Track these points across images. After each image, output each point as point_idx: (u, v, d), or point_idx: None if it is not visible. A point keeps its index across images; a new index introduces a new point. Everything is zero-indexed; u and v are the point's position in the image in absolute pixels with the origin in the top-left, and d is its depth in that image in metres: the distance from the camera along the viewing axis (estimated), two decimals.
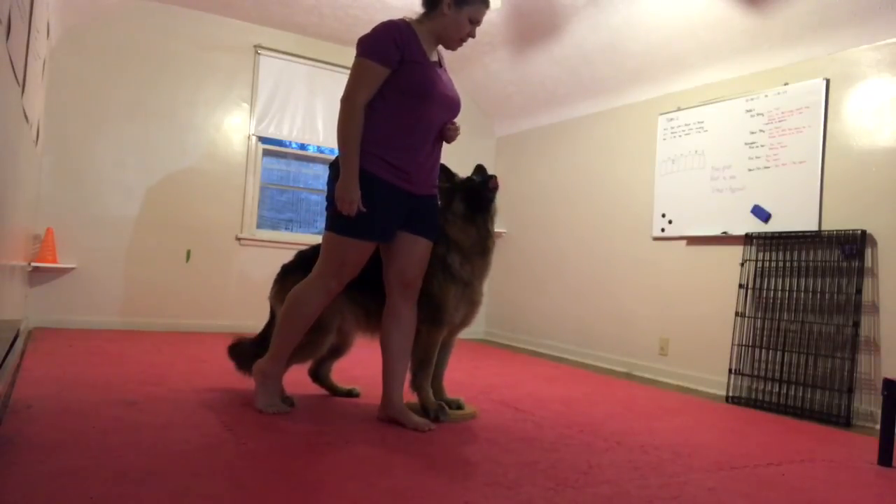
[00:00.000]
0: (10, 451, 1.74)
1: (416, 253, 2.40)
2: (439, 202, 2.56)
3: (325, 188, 2.40)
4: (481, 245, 2.57)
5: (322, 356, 2.82)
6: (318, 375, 2.94)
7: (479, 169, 2.74)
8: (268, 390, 2.44)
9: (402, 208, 2.34)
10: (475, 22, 2.36)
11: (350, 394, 2.91)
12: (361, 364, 3.74)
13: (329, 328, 2.61)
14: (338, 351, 2.90)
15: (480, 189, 2.60)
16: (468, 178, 2.67)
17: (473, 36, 2.40)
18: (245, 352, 2.75)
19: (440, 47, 2.44)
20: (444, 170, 2.61)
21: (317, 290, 2.36)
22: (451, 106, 2.42)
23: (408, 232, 2.38)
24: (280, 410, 2.43)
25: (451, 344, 2.74)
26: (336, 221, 2.29)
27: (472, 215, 2.57)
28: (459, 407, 2.66)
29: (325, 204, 2.39)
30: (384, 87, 2.26)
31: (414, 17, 2.36)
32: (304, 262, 2.68)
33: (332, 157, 6.41)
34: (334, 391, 2.92)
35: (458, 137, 2.47)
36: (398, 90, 2.26)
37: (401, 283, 2.40)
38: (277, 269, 2.88)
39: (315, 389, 2.93)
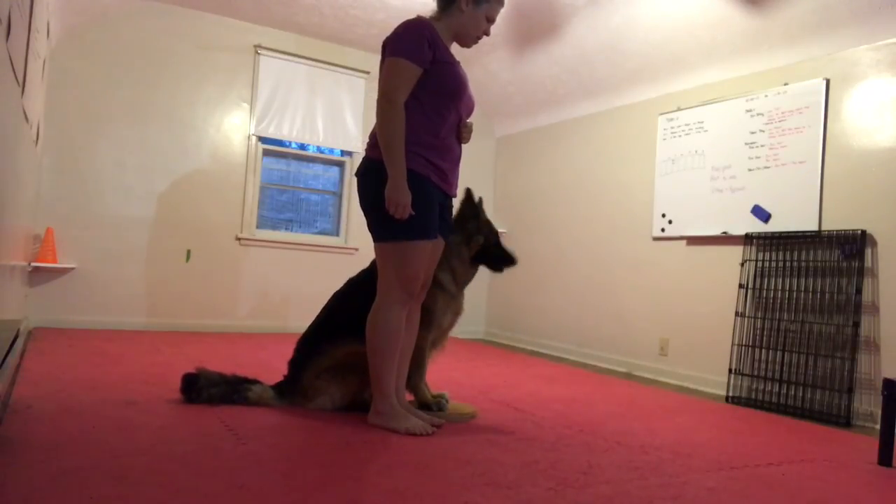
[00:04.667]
0: (10, 451, 1.74)
1: (436, 253, 2.41)
2: (453, 225, 2.59)
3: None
4: (470, 277, 2.75)
5: None
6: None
7: (468, 194, 2.75)
8: (399, 421, 2.27)
9: (438, 207, 2.34)
10: (491, 20, 2.36)
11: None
12: None
13: None
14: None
15: (498, 257, 2.76)
16: (491, 233, 2.75)
17: (488, 34, 2.40)
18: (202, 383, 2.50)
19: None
20: (470, 198, 2.73)
21: (394, 309, 2.26)
22: (472, 107, 2.45)
23: None
24: (437, 425, 2.32)
25: (441, 346, 2.82)
26: (392, 229, 2.20)
27: (476, 263, 2.73)
28: (446, 401, 2.70)
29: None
30: (415, 87, 2.22)
31: (428, 15, 2.34)
32: (318, 336, 2.59)
33: (331, 157, 6.35)
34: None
35: None
36: (431, 90, 2.24)
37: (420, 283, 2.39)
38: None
39: None
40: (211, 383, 2.51)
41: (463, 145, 2.44)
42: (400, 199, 2.14)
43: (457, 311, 2.75)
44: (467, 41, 2.38)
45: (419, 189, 2.21)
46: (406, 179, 2.15)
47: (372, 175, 2.23)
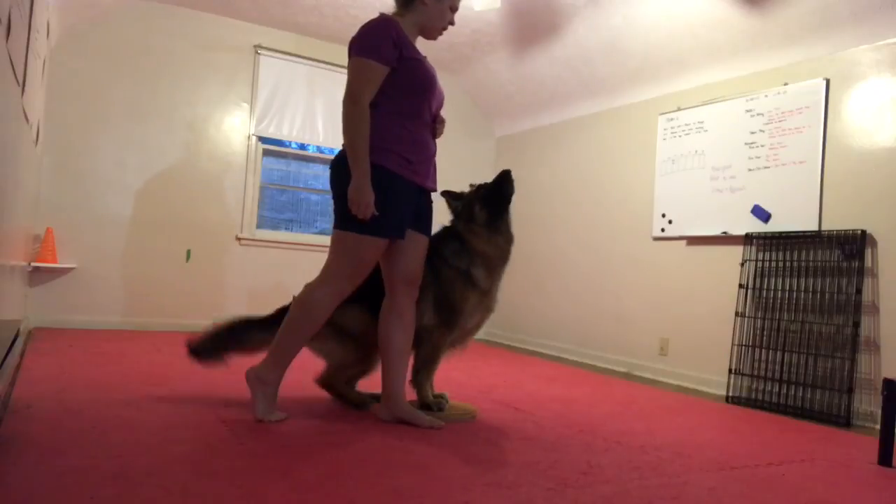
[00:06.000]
0: (10, 451, 1.74)
1: (419, 250, 2.43)
2: (455, 219, 2.62)
3: (329, 188, 2.36)
4: (505, 252, 2.63)
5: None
6: (336, 385, 2.69)
7: (503, 174, 2.69)
8: (266, 398, 2.31)
9: (412, 204, 2.35)
10: (454, 9, 2.39)
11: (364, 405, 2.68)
12: None
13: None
14: (364, 370, 2.71)
15: (499, 186, 2.63)
16: (480, 185, 2.69)
17: (453, 23, 2.43)
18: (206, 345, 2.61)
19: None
20: (448, 192, 2.70)
21: (328, 293, 2.29)
22: (442, 99, 2.48)
23: (412, 229, 2.38)
24: (279, 419, 2.31)
25: (462, 346, 2.75)
26: (351, 220, 2.22)
27: (495, 222, 2.61)
28: (446, 401, 2.68)
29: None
30: (385, 85, 2.24)
31: (390, 12, 2.35)
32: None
33: (331, 157, 6.40)
34: (350, 401, 2.67)
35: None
36: (400, 87, 2.26)
37: (406, 280, 2.40)
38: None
39: (312, 391, 2.92)
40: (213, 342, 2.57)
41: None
42: (362, 198, 2.16)
43: (488, 308, 2.65)
44: (433, 34, 2.41)
45: (388, 186, 2.23)
46: (369, 179, 2.17)
47: (344, 167, 2.24)
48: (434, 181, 2.47)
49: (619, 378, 4.19)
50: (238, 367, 2.99)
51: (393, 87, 2.25)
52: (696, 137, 4.18)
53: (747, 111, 3.85)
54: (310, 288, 2.33)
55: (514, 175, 2.72)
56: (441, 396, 2.68)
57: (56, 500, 1.43)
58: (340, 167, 2.29)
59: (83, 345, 3.79)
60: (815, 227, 3.45)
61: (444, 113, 2.53)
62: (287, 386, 2.58)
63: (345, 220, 2.26)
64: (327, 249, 2.34)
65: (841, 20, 3.35)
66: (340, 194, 2.26)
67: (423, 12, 2.33)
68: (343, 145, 2.31)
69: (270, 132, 5.21)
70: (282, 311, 2.58)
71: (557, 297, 5.28)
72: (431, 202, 2.51)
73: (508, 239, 2.66)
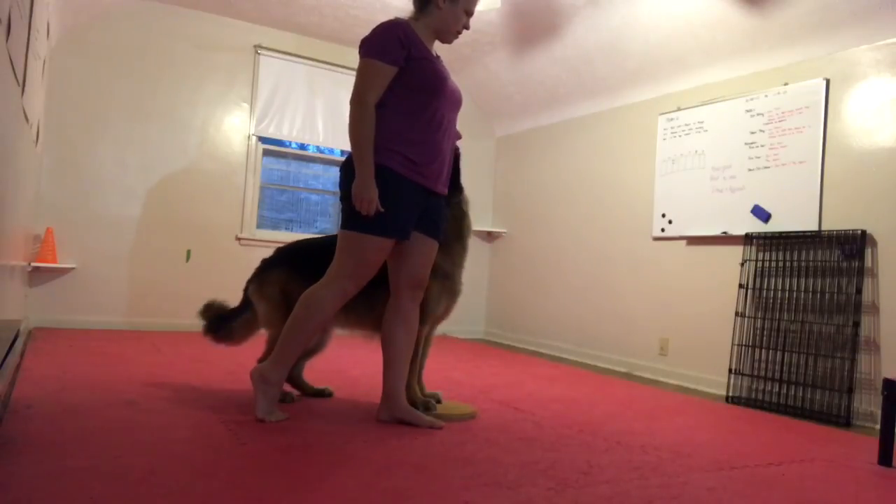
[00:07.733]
0: (10, 451, 1.74)
1: (427, 253, 2.42)
2: None
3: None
4: (455, 228, 2.60)
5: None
6: (290, 375, 2.76)
7: None
8: (268, 397, 2.32)
9: (419, 206, 2.34)
10: (470, 13, 2.39)
11: (322, 394, 2.82)
12: (360, 364, 3.74)
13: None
14: (313, 349, 2.82)
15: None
16: None
17: (468, 27, 2.44)
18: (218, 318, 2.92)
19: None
20: None
21: (333, 292, 2.29)
22: (458, 100, 2.45)
23: (419, 232, 2.38)
24: (280, 419, 2.32)
25: (430, 337, 2.74)
26: (355, 219, 2.24)
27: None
28: (438, 401, 2.67)
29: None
30: (394, 85, 2.25)
31: (407, 16, 2.37)
32: (285, 256, 2.74)
33: (331, 157, 6.38)
34: (305, 391, 2.82)
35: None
36: (409, 87, 2.27)
37: (411, 284, 2.40)
38: None
39: None
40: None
41: (462, 145, 2.44)
42: (365, 195, 2.18)
43: (453, 293, 2.64)
44: (448, 37, 2.41)
45: (392, 187, 2.24)
46: (373, 177, 2.19)
47: (352, 168, 2.25)
48: (446, 184, 2.44)
49: (619, 378, 4.19)
50: (236, 367, 3.00)
51: (402, 87, 2.26)
52: (695, 137, 4.18)
53: (747, 111, 3.85)
54: (315, 288, 2.32)
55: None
56: (433, 396, 2.67)
57: (56, 500, 1.43)
58: (349, 168, 2.29)
59: (83, 345, 3.79)
60: (815, 227, 3.45)
61: None
62: (289, 387, 2.59)
63: (349, 219, 2.27)
64: None
65: (841, 20, 3.35)
66: (346, 194, 2.27)
67: (437, 16, 2.34)
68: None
69: (270, 132, 5.21)
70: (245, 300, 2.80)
71: (557, 296, 5.28)
72: (444, 205, 2.48)
73: (458, 214, 2.61)
